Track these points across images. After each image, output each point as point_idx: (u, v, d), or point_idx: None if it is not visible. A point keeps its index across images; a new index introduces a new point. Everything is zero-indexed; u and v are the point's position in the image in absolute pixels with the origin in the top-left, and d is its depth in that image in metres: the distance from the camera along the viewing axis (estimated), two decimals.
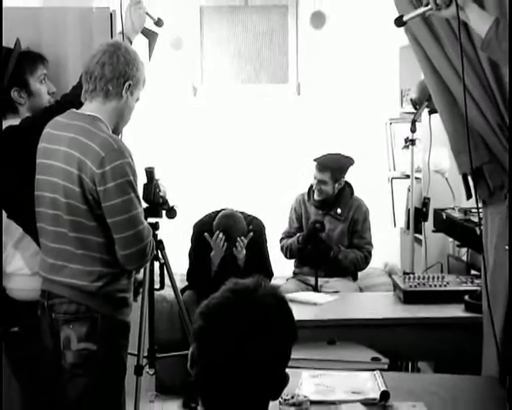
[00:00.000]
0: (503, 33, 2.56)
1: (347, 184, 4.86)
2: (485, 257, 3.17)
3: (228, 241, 4.46)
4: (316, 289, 4.40)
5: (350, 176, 4.90)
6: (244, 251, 4.49)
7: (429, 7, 2.66)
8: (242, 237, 4.47)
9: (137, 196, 2.69)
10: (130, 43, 2.98)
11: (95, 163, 2.59)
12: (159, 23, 3.15)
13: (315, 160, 4.76)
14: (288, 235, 4.91)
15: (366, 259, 4.78)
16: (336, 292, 4.31)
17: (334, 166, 4.73)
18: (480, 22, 2.59)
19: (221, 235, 4.44)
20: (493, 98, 2.97)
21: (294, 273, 4.93)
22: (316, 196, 4.78)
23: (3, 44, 3.03)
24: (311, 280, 4.57)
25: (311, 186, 4.85)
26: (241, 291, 1.55)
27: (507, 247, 2.72)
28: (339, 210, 4.76)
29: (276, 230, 4.94)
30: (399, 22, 2.76)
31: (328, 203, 4.77)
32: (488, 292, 3.05)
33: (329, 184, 4.72)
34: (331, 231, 4.72)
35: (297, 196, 4.98)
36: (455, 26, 2.81)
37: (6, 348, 3.05)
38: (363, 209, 4.83)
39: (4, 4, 3.26)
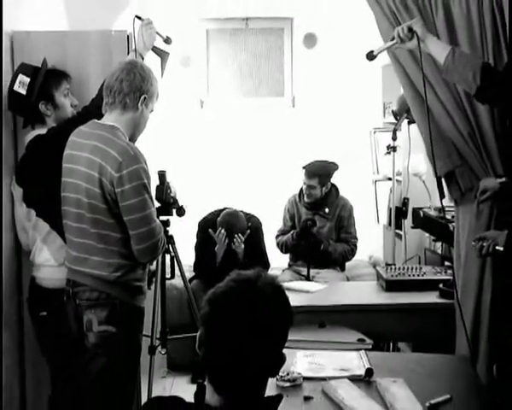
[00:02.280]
0: (458, 60, 2.59)
1: (333, 186, 4.87)
2: (456, 250, 3.18)
3: (229, 236, 4.46)
4: (308, 279, 4.40)
5: (339, 179, 4.90)
6: (242, 246, 4.49)
7: (395, 41, 2.69)
8: (240, 234, 4.48)
9: (151, 197, 2.69)
10: (142, 58, 2.98)
11: (113, 168, 2.59)
12: (167, 41, 3.14)
13: (303, 167, 4.77)
14: (282, 232, 4.91)
15: (352, 251, 4.79)
16: (326, 282, 4.31)
17: (321, 172, 4.74)
18: (439, 51, 2.64)
19: (223, 231, 4.45)
20: (464, 111, 2.98)
21: (289, 265, 4.94)
22: (306, 199, 4.80)
23: (33, 64, 3.05)
24: (304, 271, 4.56)
25: (302, 189, 4.86)
26: (244, 281, 1.54)
27: (473, 243, 2.71)
28: (326, 210, 4.77)
29: (272, 226, 4.94)
30: (371, 56, 2.78)
31: (317, 204, 4.78)
32: (459, 281, 3.06)
33: (317, 189, 4.73)
34: (321, 229, 4.71)
35: (289, 197, 4.99)
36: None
37: (36, 329, 3.07)
38: (347, 207, 4.83)
39: (34, 28, 3.29)
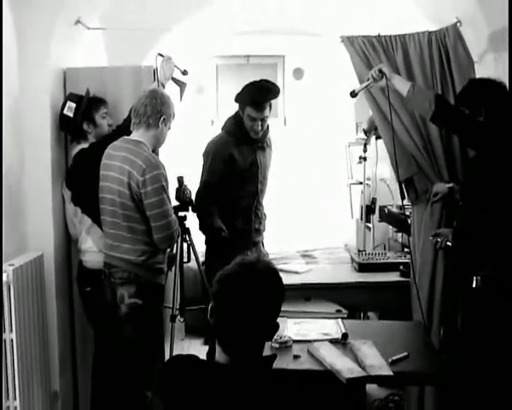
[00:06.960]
0: (417, 92, 2.70)
1: None
2: (412, 240, 3.17)
3: None
4: None
5: (319, 183, 4.87)
6: None
7: (370, 81, 2.78)
8: None
9: (168, 197, 2.69)
10: (163, 87, 2.97)
11: (139, 173, 2.60)
12: (184, 73, 3.13)
13: (252, 102, 3.22)
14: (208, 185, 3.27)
15: None
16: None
17: (272, 97, 3.26)
18: (402, 87, 2.76)
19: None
20: (419, 129, 3.00)
21: None
22: (256, 136, 3.30)
23: (79, 94, 3.06)
24: None
25: (238, 126, 3.33)
26: (246, 265, 1.53)
27: (430, 238, 2.75)
28: (268, 141, 3.52)
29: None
30: (353, 95, 2.86)
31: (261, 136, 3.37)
32: (417, 264, 3.06)
33: (268, 118, 3.29)
34: (264, 160, 3.52)
35: (211, 144, 3.41)
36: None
37: (82, 301, 3.08)
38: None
39: (79, 65, 3.29)
